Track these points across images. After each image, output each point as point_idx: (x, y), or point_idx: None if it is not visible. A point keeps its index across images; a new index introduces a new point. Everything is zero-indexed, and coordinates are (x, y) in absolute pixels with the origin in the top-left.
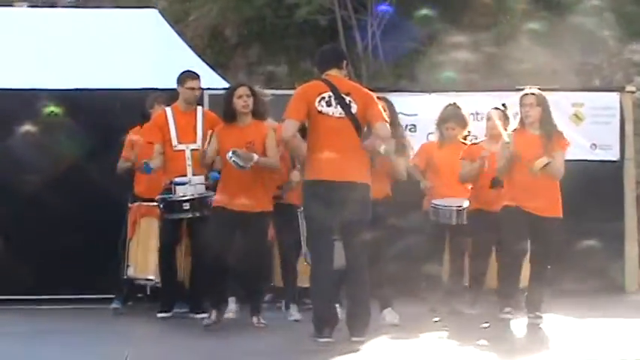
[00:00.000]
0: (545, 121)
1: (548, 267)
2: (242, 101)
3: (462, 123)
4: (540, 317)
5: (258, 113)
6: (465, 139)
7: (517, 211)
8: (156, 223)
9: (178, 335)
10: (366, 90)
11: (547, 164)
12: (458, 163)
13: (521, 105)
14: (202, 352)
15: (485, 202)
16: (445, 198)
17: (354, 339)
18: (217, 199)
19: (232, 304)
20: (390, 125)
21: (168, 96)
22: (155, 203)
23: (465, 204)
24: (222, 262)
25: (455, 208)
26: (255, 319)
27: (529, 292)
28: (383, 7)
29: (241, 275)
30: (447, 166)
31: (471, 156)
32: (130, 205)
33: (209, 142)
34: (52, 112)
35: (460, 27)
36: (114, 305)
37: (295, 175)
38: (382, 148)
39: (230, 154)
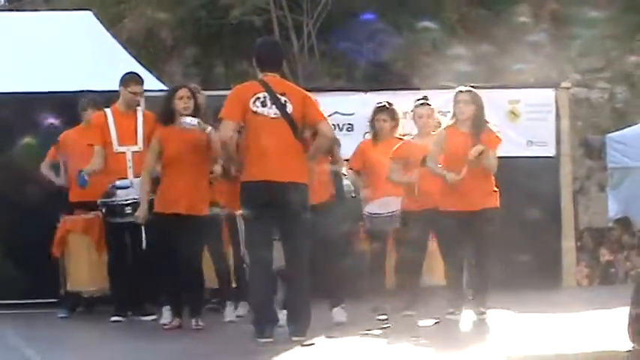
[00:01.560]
0: (478, 119)
1: (489, 262)
2: (183, 102)
3: (393, 115)
4: (484, 312)
5: (197, 115)
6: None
7: (452, 215)
8: (82, 237)
9: (124, 339)
10: (302, 90)
11: (482, 152)
12: None
13: (455, 102)
14: (142, 357)
15: (416, 200)
16: (381, 199)
17: (294, 339)
18: (157, 203)
19: (167, 312)
20: None
21: (103, 99)
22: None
23: (397, 206)
24: (164, 267)
25: (386, 215)
26: (193, 322)
27: (474, 288)
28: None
29: (181, 278)
30: (383, 164)
31: (402, 156)
32: (61, 217)
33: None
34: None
35: (398, 26)
36: (60, 315)
37: (217, 168)
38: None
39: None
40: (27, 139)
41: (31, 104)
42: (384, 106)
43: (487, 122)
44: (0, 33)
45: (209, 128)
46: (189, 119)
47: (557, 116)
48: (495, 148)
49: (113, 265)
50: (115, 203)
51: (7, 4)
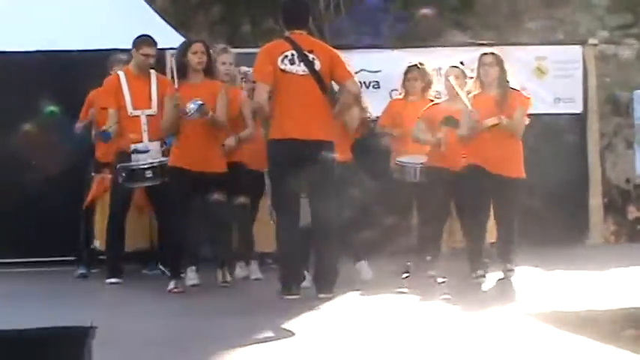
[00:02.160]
0: (502, 81)
1: (513, 220)
2: (197, 57)
3: (424, 75)
4: (512, 270)
5: (209, 71)
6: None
7: (478, 171)
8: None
9: (144, 299)
10: (329, 47)
11: (496, 125)
12: None
13: (480, 64)
14: (169, 314)
15: (441, 159)
16: (411, 155)
17: (321, 296)
18: (173, 159)
19: (192, 273)
20: None
21: (129, 57)
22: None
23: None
24: (185, 226)
25: (418, 166)
26: (220, 276)
27: (499, 246)
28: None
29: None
30: (413, 124)
31: (429, 118)
32: (92, 174)
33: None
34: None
35: None
36: (79, 271)
37: (230, 141)
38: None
39: (192, 104)
40: (51, 106)
41: (59, 63)
42: (415, 65)
43: (508, 83)
44: None
45: (210, 114)
46: (192, 105)
47: (585, 73)
48: (525, 106)
49: (113, 224)
50: (136, 167)
51: None
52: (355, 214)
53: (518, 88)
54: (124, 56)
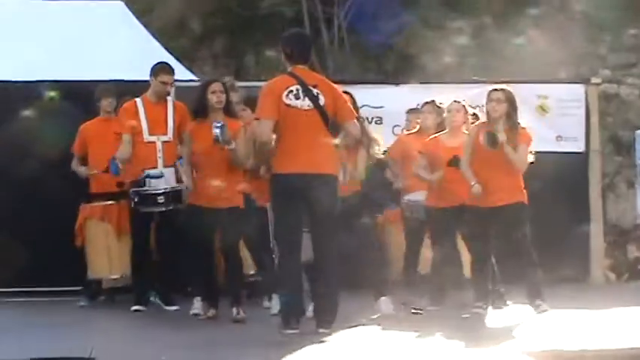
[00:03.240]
0: (510, 118)
1: (528, 253)
2: (216, 97)
3: (437, 111)
4: (542, 305)
5: (229, 110)
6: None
7: (479, 209)
8: (100, 224)
9: (146, 328)
10: (332, 83)
11: (505, 139)
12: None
13: (489, 100)
14: (171, 345)
15: (440, 197)
16: (419, 191)
17: (321, 330)
18: (190, 195)
19: (197, 303)
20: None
21: (115, 88)
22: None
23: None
24: (198, 258)
25: (422, 199)
26: (235, 311)
27: (525, 282)
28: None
29: (226, 268)
30: None
31: (429, 154)
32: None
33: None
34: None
35: (427, 21)
36: (81, 303)
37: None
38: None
39: (218, 125)
40: (51, 130)
41: (63, 93)
42: (433, 101)
43: (516, 120)
44: (32, 22)
45: (232, 144)
46: (215, 129)
47: (587, 112)
48: (528, 144)
49: (137, 254)
50: (148, 192)
51: None
52: (375, 249)
53: (523, 126)
54: (111, 87)
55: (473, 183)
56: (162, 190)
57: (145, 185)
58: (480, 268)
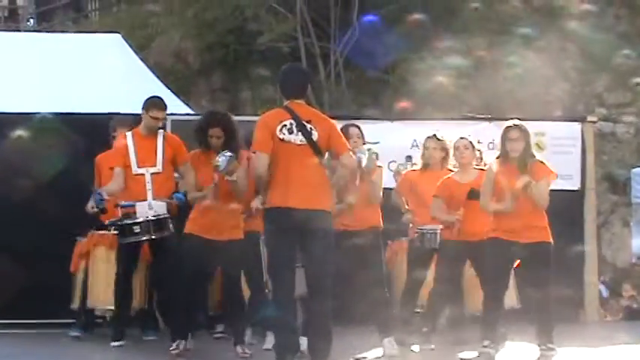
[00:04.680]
0: (526, 153)
1: (549, 296)
2: (214, 140)
3: (442, 145)
4: (553, 349)
5: (230, 147)
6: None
7: (501, 241)
8: (109, 252)
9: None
10: (327, 118)
11: (528, 182)
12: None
13: (506, 139)
14: None
15: (460, 231)
16: (428, 225)
17: None
18: (189, 226)
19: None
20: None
21: (132, 120)
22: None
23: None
24: (192, 291)
25: (437, 231)
26: (239, 349)
27: (537, 323)
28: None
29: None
30: (430, 194)
31: (444, 193)
32: (77, 239)
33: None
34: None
35: (423, 57)
36: (73, 333)
37: (256, 202)
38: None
39: (226, 155)
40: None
41: (60, 125)
42: (435, 135)
43: (534, 156)
44: (29, 54)
45: (234, 176)
46: (221, 157)
47: (583, 150)
48: (549, 179)
49: (118, 285)
50: (122, 223)
51: (36, 25)
52: (384, 287)
53: (541, 160)
54: (125, 119)
55: (502, 207)
56: (138, 220)
57: (135, 216)
58: (495, 307)
